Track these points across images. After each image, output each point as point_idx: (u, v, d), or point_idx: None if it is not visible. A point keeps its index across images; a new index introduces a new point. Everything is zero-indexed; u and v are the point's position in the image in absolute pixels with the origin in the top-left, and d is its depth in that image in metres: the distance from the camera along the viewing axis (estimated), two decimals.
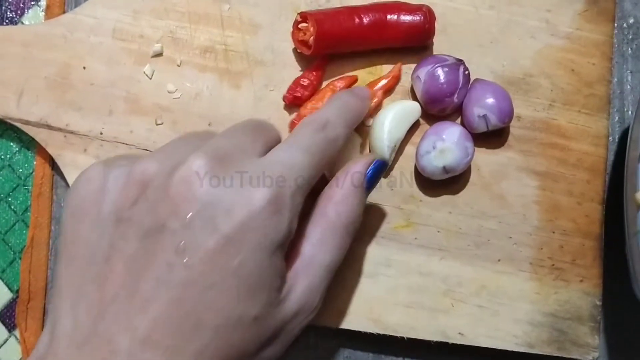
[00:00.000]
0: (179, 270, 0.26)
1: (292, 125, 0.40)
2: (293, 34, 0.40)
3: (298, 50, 0.40)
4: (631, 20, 0.45)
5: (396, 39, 0.40)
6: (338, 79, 0.40)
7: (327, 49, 0.39)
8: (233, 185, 0.28)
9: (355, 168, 0.34)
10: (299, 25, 0.39)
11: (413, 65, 0.40)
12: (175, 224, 0.26)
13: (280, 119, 0.40)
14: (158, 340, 0.25)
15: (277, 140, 0.33)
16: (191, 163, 0.27)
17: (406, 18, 0.39)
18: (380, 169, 0.35)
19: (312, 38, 0.38)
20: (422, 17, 0.39)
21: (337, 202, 0.32)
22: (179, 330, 0.26)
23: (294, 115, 0.40)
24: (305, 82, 0.40)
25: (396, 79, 0.40)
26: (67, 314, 0.27)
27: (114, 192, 0.28)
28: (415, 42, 0.40)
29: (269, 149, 0.31)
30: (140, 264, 0.26)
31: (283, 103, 0.40)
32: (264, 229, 0.27)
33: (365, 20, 0.38)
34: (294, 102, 0.40)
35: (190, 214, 0.26)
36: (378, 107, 0.40)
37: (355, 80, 0.40)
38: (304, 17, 0.38)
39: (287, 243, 0.29)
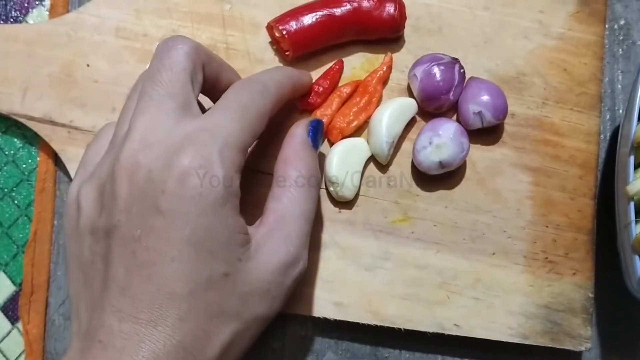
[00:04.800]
0: (141, 254, 0.29)
1: None
2: (272, 42, 0.42)
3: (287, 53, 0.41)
4: (622, 22, 0.46)
5: (368, 31, 0.41)
6: (344, 85, 0.41)
7: (304, 50, 0.41)
8: (162, 162, 0.29)
9: (297, 131, 0.35)
10: (275, 35, 0.40)
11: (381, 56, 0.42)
12: (127, 218, 0.29)
13: (283, 117, 0.41)
14: (140, 316, 0.28)
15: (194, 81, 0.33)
16: (123, 160, 0.30)
17: (378, 9, 0.40)
18: (319, 127, 0.37)
19: (288, 53, 0.40)
20: (394, 8, 0.40)
21: (294, 161, 0.34)
22: (156, 303, 0.28)
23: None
24: (319, 89, 0.41)
25: (390, 69, 0.42)
26: (74, 318, 0.32)
27: (85, 209, 0.32)
28: (387, 33, 0.41)
29: (191, 101, 0.32)
30: (112, 258, 0.30)
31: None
32: (199, 193, 0.29)
33: (337, 13, 0.40)
34: (306, 109, 0.41)
35: (135, 207, 0.29)
36: (377, 101, 0.41)
37: (358, 84, 0.41)
38: (275, 29, 0.40)
39: (236, 199, 0.31)
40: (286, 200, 0.33)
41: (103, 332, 0.28)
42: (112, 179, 0.30)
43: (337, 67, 0.41)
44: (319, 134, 0.37)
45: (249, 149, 0.33)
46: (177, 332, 0.28)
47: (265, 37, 0.42)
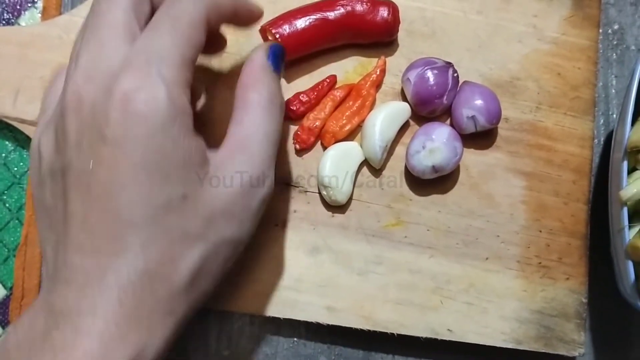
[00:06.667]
0: (95, 187, 0.28)
1: (297, 136, 0.40)
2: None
3: None
4: (616, 27, 0.46)
5: (362, 35, 0.41)
6: (337, 88, 0.41)
7: (298, 54, 0.41)
8: (103, 92, 0.28)
9: (256, 55, 0.34)
10: (268, 38, 0.40)
11: (374, 60, 0.42)
12: (78, 153, 0.29)
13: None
14: (101, 249, 0.28)
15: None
16: (68, 98, 0.30)
17: (371, 13, 0.40)
18: (280, 51, 0.35)
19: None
20: (387, 12, 0.40)
21: (254, 85, 0.33)
22: (116, 234, 0.28)
23: (297, 127, 0.41)
24: (304, 98, 0.41)
25: (383, 73, 0.42)
26: (44, 263, 0.31)
27: (44, 154, 0.31)
28: (381, 37, 0.41)
29: (133, 29, 0.31)
30: (69, 196, 0.29)
31: None
32: (143, 116, 0.28)
33: (330, 17, 0.40)
34: (290, 118, 0.41)
35: (84, 141, 0.29)
36: (371, 105, 0.41)
37: (352, 88, 0.41)
38: (269, 32, 0.39)
39: (187, 118, 0.30)
40: (248, 122, 0.32)
41: (67, 270, 0.28)
42: (61, 118, 0.30)
43: (328, 81, 0.41)
44: (280, 58, 0.35)
45: None
46: (140, 260, 0.28)
47: (258, 40, 0.42)
